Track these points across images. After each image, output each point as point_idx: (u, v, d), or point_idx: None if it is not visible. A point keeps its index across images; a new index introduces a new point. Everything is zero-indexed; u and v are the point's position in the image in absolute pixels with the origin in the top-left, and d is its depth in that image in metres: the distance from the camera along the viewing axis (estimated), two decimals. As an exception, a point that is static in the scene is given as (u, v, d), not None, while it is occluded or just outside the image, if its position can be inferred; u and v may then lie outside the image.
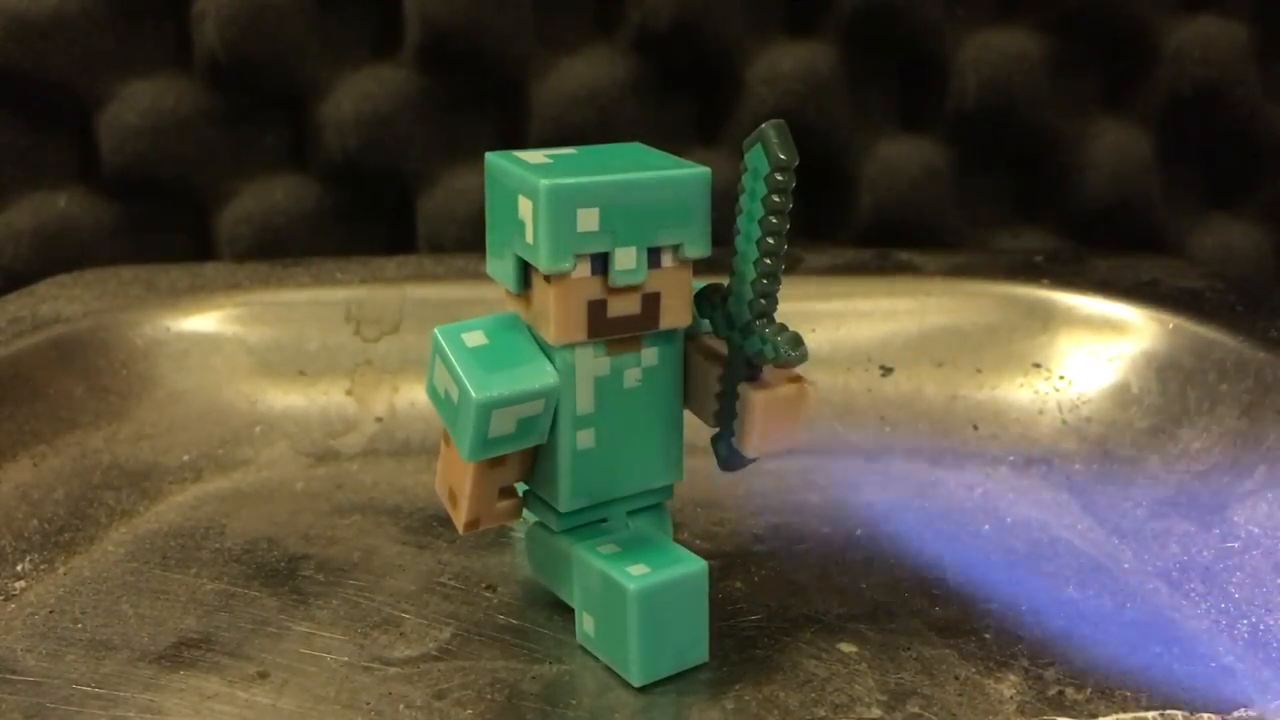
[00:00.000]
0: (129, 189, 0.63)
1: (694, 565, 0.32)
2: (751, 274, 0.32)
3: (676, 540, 0.34)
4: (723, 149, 0.64)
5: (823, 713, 0.31)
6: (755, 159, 0.31)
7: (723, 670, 0.33)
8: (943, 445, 0.48)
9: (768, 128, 0.31)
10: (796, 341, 0.31)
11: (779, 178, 0.30)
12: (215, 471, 0.46)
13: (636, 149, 0.34)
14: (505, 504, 0.34)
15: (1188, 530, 0.40)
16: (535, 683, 0.33)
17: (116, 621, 0.36)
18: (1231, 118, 0.66)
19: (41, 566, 0.39)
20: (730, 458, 0.34)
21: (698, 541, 0.40)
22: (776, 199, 0.31)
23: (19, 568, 0.39)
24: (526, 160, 0.32)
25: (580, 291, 0.31)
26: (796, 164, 0.31)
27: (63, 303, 0.53)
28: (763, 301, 0.32)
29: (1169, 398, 0.47)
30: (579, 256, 0.31)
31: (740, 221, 0.32)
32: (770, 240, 0.31)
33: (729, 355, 0.33)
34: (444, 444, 0.35)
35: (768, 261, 0.31)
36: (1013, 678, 0.33)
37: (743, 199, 0.32)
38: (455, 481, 0.34)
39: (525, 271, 0.32)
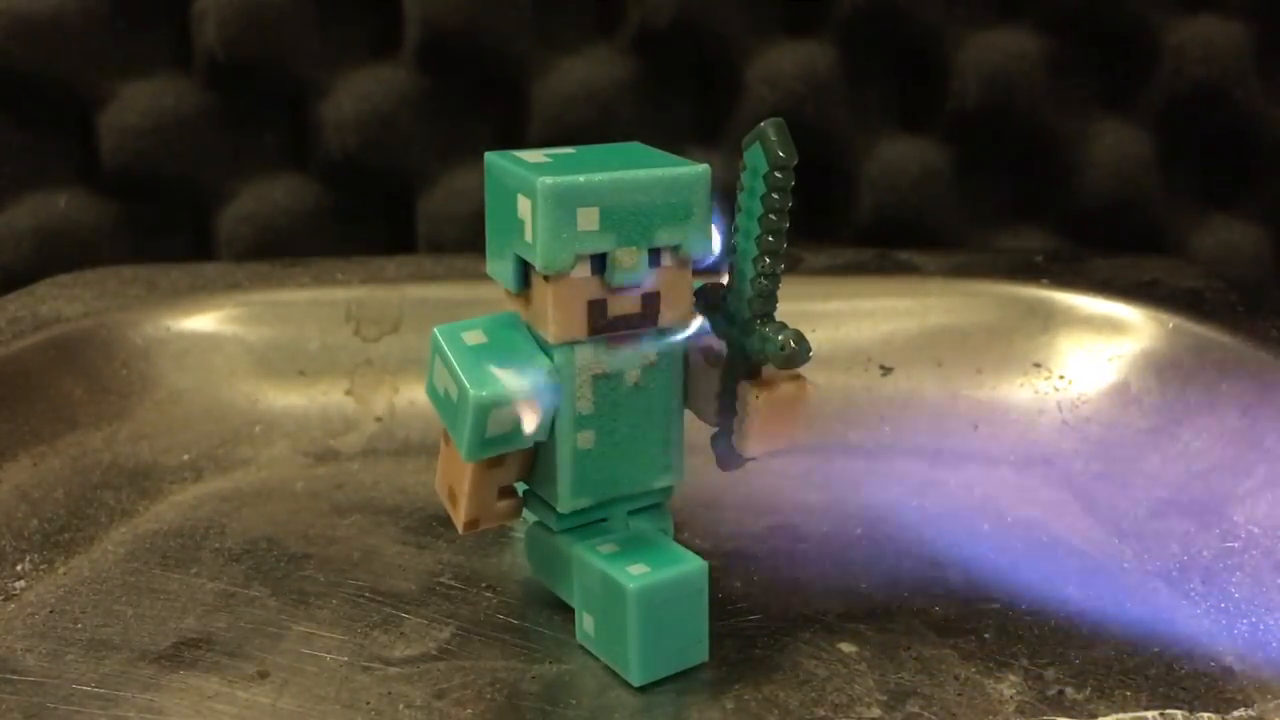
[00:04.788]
0: (129, 189, 0.63)
1: (694, 565, 0.32)
2: (751, 273, 0.32)
3: (676, 540, 0.34)
4: (723, 149, 0.64)
5: (823, 713, 0.31)
6: (754, 158, 0.31)
7: (723, 670, 0.33)
8: (943, 445, 0.48)
9: (766, 126, 0.31)
10: (798, 340, 0.31)
11: (778, 176, 0.30)
12: (215, 471, 0.46)
13: (636, 148, 0.34)
14: (505, 504, 0.34)
15: (1188, 530, 0.40)
16: (535, 683, 0.32)
17: (116, 621, 0.36)
18: (1231, 118, 0.66)
19: (41, 566, 0.39)
20: (730, 457, 0.34)
21: (698, 541, 0.40)
22: (776, 198, 0.31)
23: (19, 568, 0.39)
24: (526, 159, 0.32)
25: (580, 291, 0.31)
26: (796, 163, 0.31)
27: (63, 303, 0.53)
28: (763, 300, 0.32)
29: (1169, 398, 0.47)
30: (579, 256, 0.31)
31: (740, 220, 0.32)
32: (770, 239, 0.31)
33: (729, 355, 0.33)
34: (444, 443, 0.35)
35: (768, 260, 0.31)
36: (1013, 678, 0.33)
37: (742, 198, 0.32)
38: (455, 481, 0.34)
39: (525, 271, 0.32)
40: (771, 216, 0.31)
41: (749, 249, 0.32)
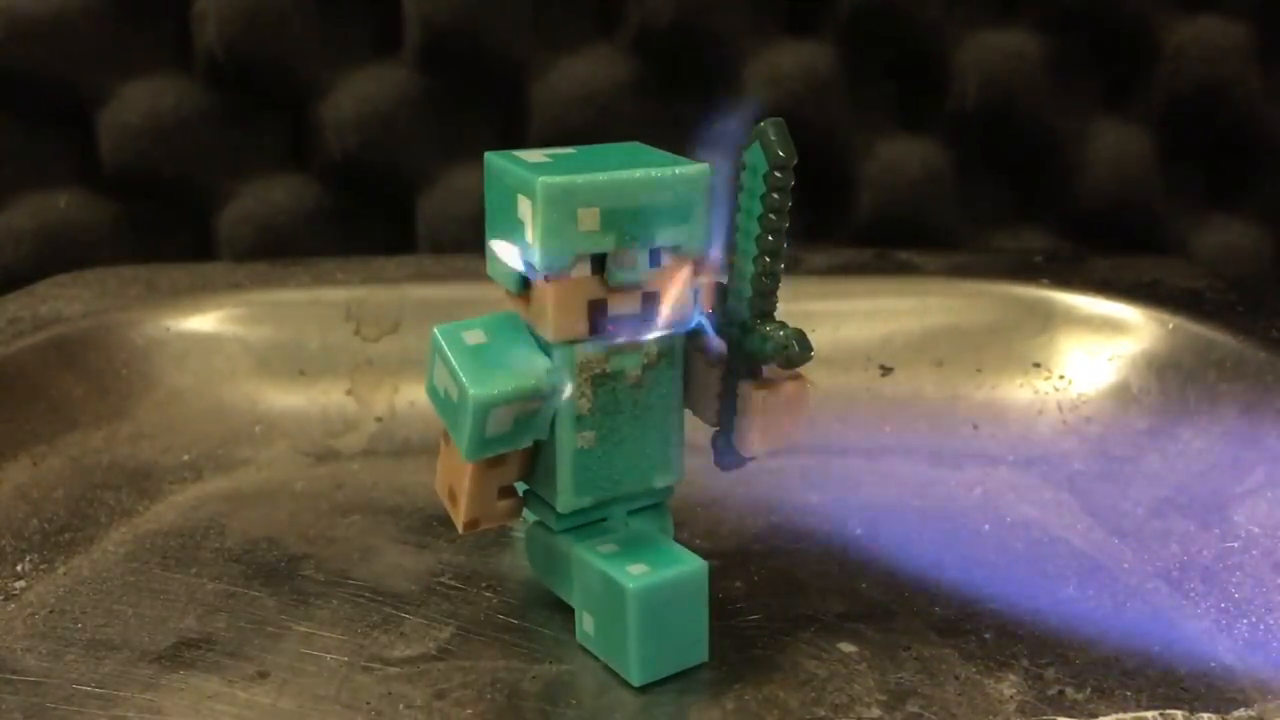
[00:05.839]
0: (129, 189, 0.63)
1: (694, 565, 0.32)
2: (751, 272, 0.32)
3: (676, 540, 0.34)
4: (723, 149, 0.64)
5: (823, 713, 0.31)
6: (754, 157, 0.31)
7: (723, 670, 0.33)
8: (943, 445, 0.48)
9: (766, 126, 0.31)
10: (798, 340, 0.31)
11: (778, 176, 0.30)
12: (215, 471, 0.46)
13: (636, 148, 0.34)
14: (505, 504, 0.34)
15: (1188, 530, 0.40)
16: (535, 683, 0.32)
17: (116, 621, 0.36)
18: (1231, 118, 0.66)
19: (41, 566, 0.39)
20: (730, 457, 0.34)
21: (698, 541, 0.40)
22: (776, 197, 0.31)
23: (19, 568, 0.39)
24: (526, 159, 0.32)
25: (580, 291, 0.31)
26: (795, 162, 0.31)
27: (63, 303, 0.53)
28: (763, 300, 0.32)
29: (1169, 398, 0.47)
30: (579, 256, 0.31)
31: (740, 220, 0.32)
32: (770, 239, 0.31)
33: (729, 354, 0.33)
34: (444, 443, 0.35)
35: (768, 260, 0.31)
36: (1013, 678, 0.33)
37: (741, 197, 0.32)
38: (455, 481, 0.34)
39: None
40: (771, 216, 0.31)
41: (749, 249, 0.32)
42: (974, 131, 0.65)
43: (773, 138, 0.30)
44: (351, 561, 0.39)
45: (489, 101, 0.64)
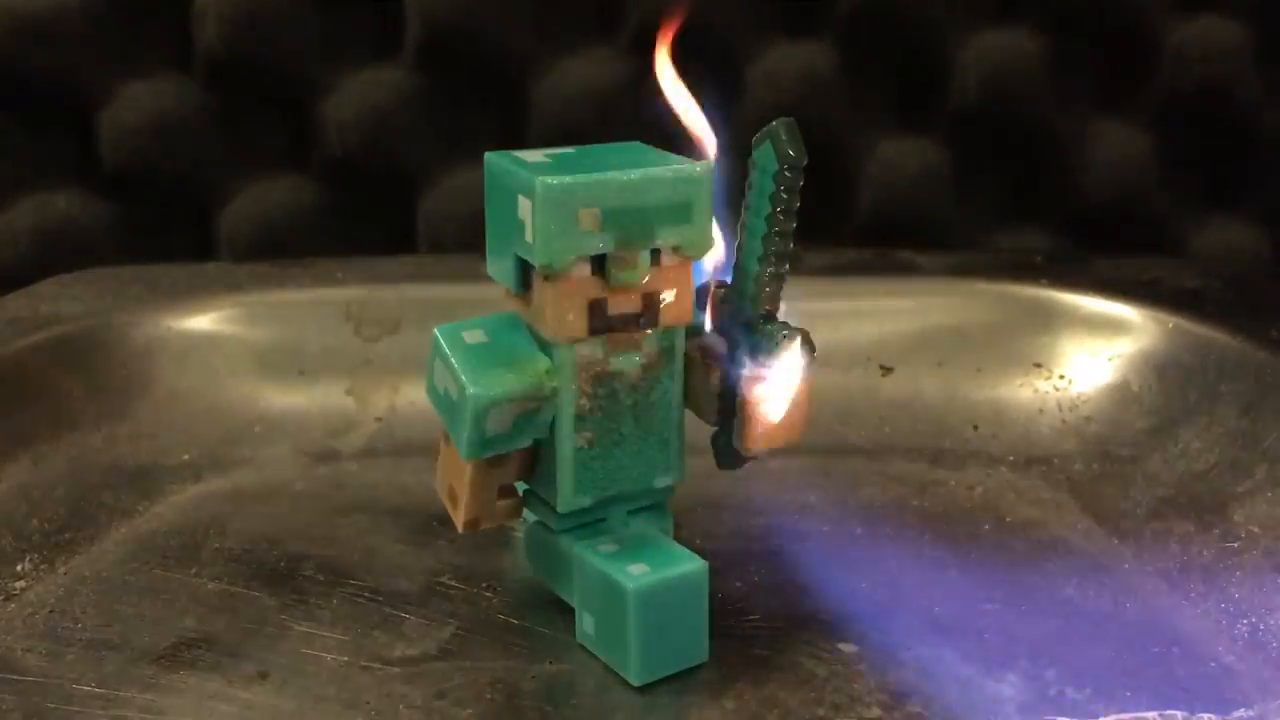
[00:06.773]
0: (129, 189, 0.63)
1: (694, 565, 0.32)
2: (757, 271, 0.32)
3: (676, 540, 0.34)
4: (721, 148, 0.64)
5: (823, 713, 0.31)
6: (764, 156, 0.31)
7: (723, 670, 0.33)
8: (943, 445, 0.48)
9: (777, 125, 0.31)
10: (802, 339, 0.31)
11: (788, 175, 0.30)
12: (215, 471, 0.46)
13: (636, 148, 0.34)
14: (505, 503, 0.34)
15: (1188, 530, 0.40)
16: (535, 683, 0.32)
17: (116, 621, 0.36)
18: (1231, 118, 0.66)
19: (41, 566, 0.39)
20: (730, 456, 0.34)
21: (698, 541, 0.40)
22: (785, 196, 0.31)
23: (19, 568, 0.39)
24: (526, 159, 0.32)
25: (580, 290, 0.31)
26: (805, 162, 0.31)
27: (63, 303, 0.53)
28: (768, 299, 0.32)
29: (1169, 398, 0.47)
30: (579, 255, 0.31)
31: (747, 218, 0.32)
32: (778, 238, 0.31)
33: (730, 353, 0.33)
34: (444, 443, 0.35)
35: (774, 260, 0.31)
36: (1013, 678, 0.33)
37: (750, 195, 0.32)
38: (455, 481, 0.34)
39: (525, 271, 0.32)
40: (780, 215, 0.31)
41: (755, 248, 0.32)
42: (974, 131, 0.65)
43: (784, 137, 0.30)
44: (351, 561, 0.39)
45: (489, 101, 0.64)
